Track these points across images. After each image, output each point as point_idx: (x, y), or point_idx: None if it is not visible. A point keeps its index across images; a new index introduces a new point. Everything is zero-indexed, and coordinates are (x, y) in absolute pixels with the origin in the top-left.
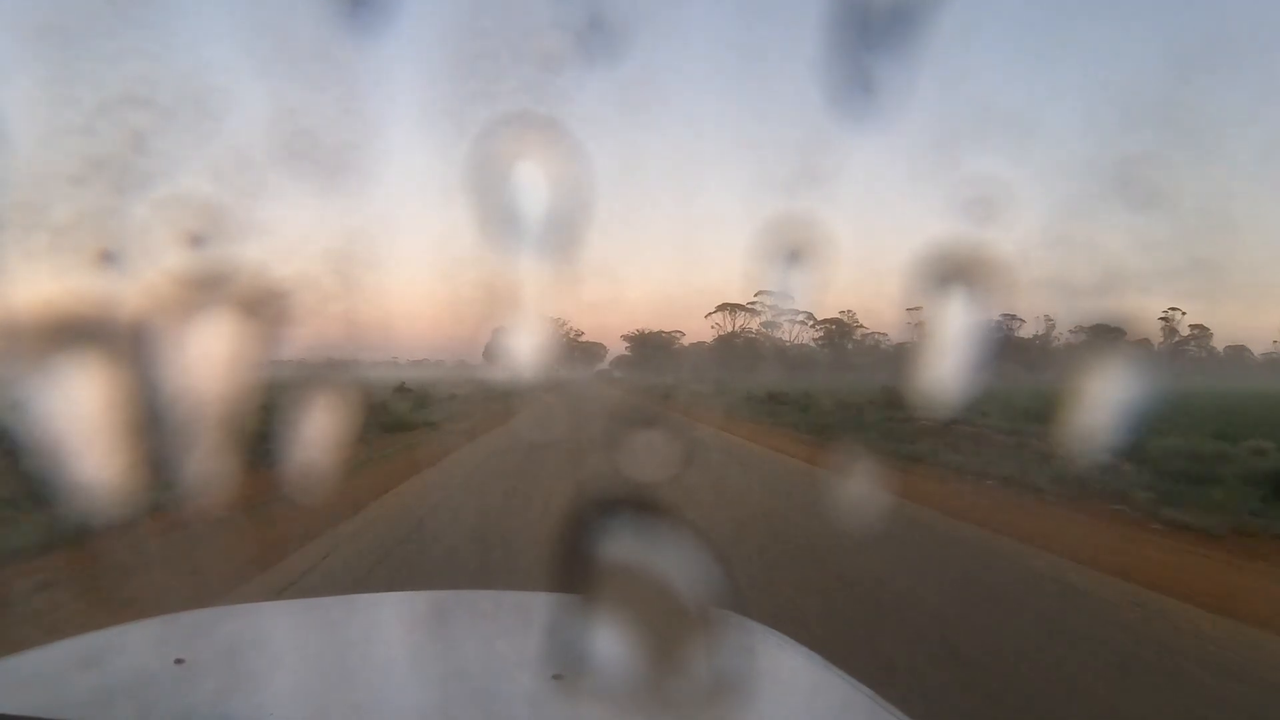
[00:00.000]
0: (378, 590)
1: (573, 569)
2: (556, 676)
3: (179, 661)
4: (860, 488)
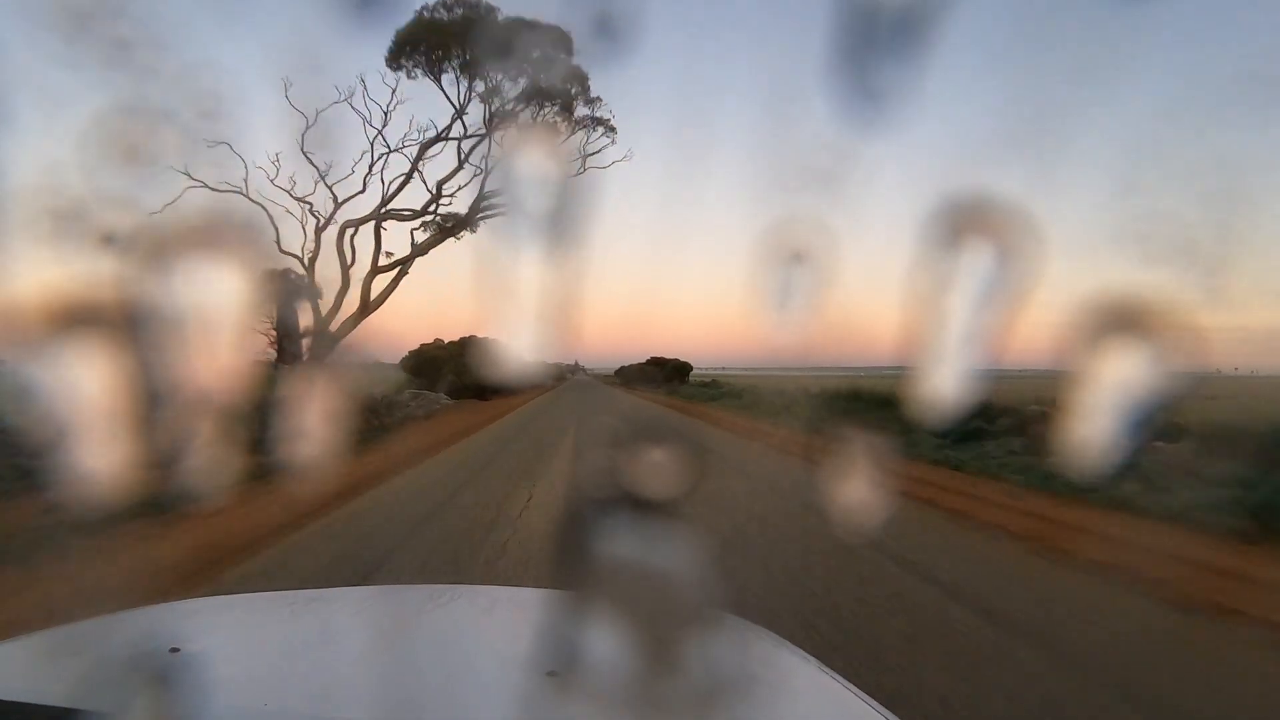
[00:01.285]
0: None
1: (569, 564)
2: (550, 674)
3: (174, 650)
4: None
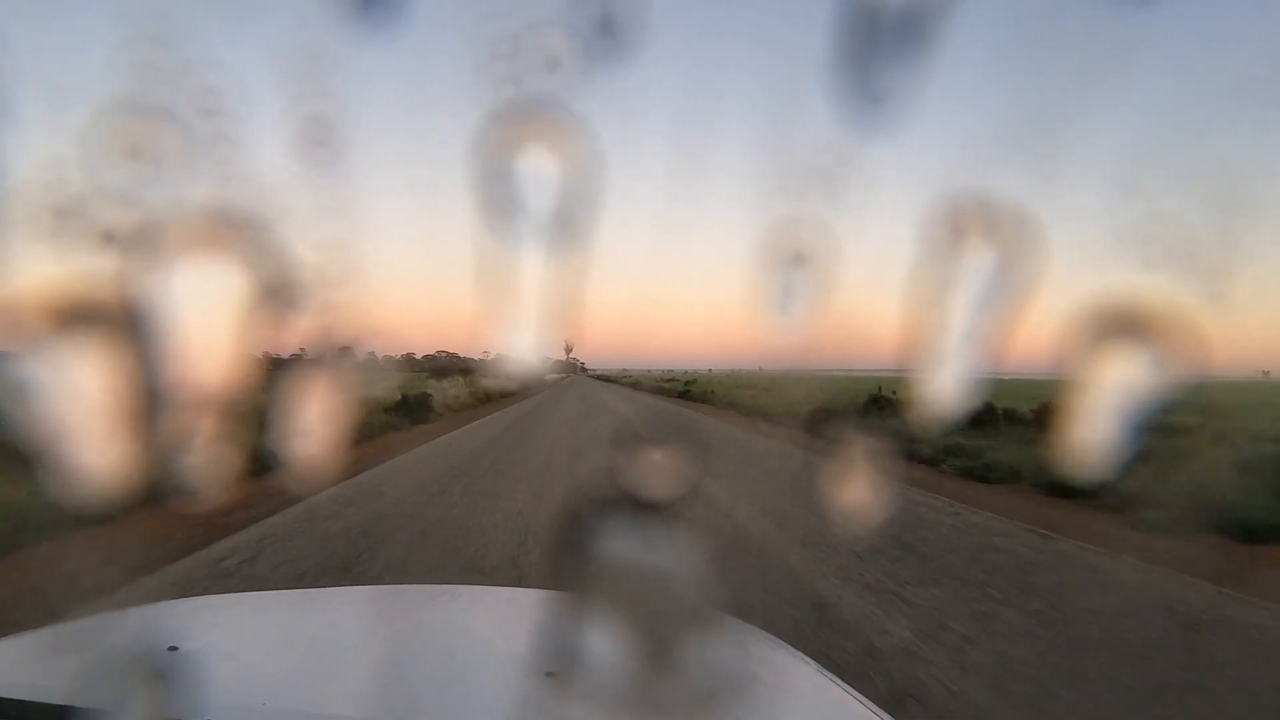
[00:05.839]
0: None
1: (568, 565)
2: (549, 674)
3: (173, 648)
4: None
